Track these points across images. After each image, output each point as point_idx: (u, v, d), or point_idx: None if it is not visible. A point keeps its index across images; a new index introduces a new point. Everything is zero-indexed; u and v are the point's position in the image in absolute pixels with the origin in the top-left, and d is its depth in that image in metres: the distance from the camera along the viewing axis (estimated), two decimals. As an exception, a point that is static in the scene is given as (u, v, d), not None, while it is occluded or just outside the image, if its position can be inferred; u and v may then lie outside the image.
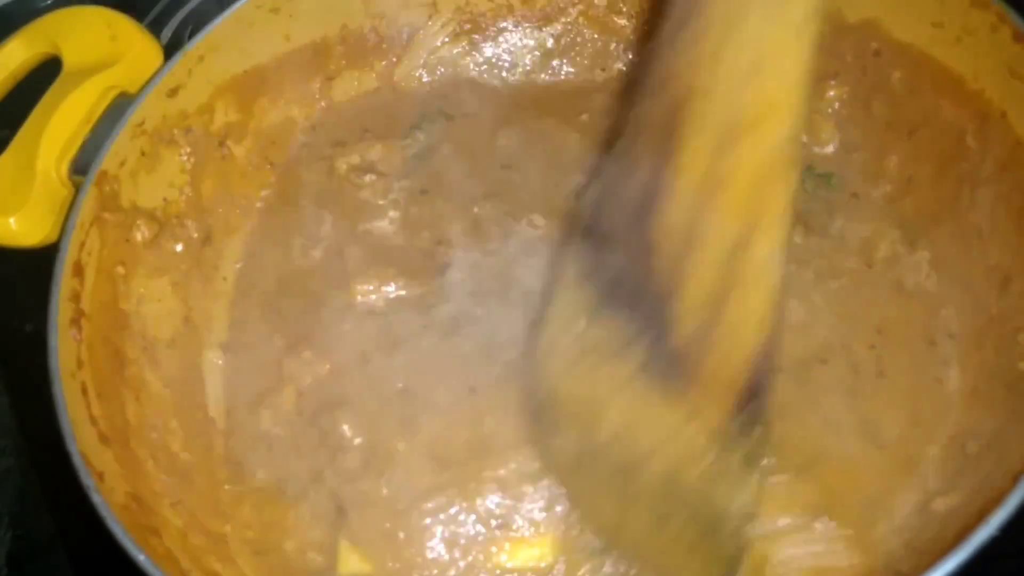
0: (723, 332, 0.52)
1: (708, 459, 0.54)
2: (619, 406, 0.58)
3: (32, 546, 0.77)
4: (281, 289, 0.79)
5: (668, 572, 0.62)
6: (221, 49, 0.79)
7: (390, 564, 0.66)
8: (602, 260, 0.59)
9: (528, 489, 0.67)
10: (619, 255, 0.57)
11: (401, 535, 0.67)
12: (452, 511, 0.67)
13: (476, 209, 0.80)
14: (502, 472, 0.67)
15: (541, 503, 0.67)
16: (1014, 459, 0.57)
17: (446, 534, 0.66)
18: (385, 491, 0.68)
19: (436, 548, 0.66)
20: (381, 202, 0.82)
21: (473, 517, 0.67)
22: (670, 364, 0.55)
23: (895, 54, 0.76)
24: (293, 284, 0.79)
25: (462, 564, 0.66)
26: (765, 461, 0.55)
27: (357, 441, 0.70)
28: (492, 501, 0.67)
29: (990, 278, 0.68)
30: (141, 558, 0.56)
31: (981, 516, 0.52)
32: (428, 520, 0.66)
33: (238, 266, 0.82)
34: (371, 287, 0.76)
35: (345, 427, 0.70)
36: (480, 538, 0.66)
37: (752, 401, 0.52)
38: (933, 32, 0.72)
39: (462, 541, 0.66)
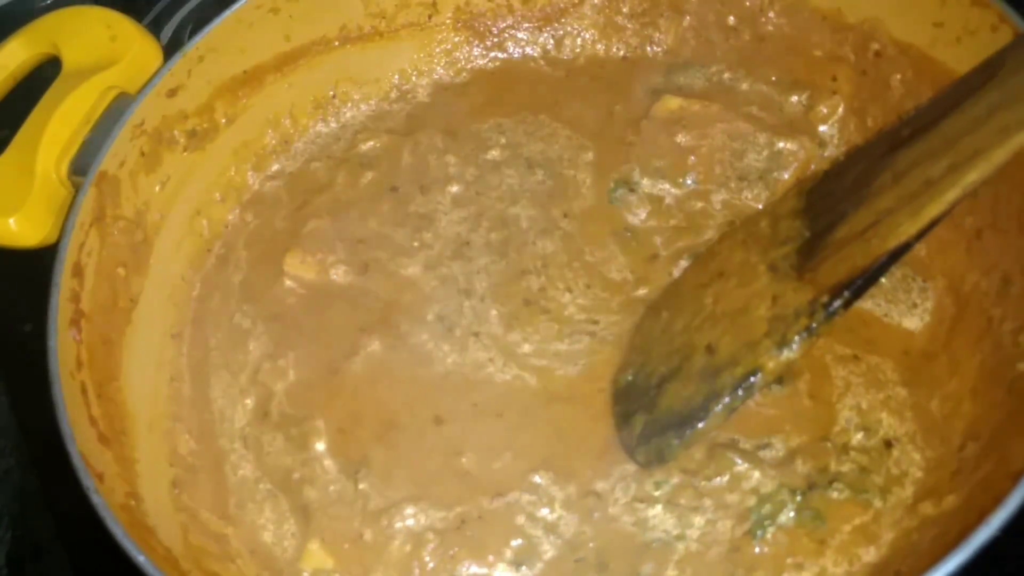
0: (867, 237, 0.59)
1: (784, 315, 0.62)
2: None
3: (32, 546, 0.77)
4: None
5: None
6: (221, 49, 0.79)
7: (353, 563, 0.65)
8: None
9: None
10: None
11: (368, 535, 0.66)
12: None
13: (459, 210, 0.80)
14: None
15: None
16: (1014, 459, 0.57)
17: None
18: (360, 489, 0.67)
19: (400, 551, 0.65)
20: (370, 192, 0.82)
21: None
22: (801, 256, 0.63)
23: (895, 55, 0.76)
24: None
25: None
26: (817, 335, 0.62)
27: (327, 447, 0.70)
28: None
29: (990, 278, 0.68)
30: (141, 559, 0.56)
31: (981, 516, 0.52)
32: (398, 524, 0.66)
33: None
34: (300, 261, 0.77)
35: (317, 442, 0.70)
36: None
37: (847, 293, 0.59)
38: (934, 32, 0.72)
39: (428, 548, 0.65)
